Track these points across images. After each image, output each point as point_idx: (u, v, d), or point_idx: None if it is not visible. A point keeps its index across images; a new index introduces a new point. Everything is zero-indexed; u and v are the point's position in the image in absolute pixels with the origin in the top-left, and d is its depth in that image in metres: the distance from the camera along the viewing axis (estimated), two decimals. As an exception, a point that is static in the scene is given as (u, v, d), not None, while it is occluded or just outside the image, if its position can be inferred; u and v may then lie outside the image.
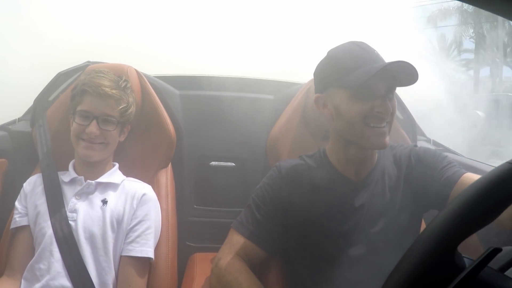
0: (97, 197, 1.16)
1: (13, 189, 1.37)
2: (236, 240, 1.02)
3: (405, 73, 0.91)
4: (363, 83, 0.88)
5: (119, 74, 1.25)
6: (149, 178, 1.32)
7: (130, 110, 1.21)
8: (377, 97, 0.91)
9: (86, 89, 1.13)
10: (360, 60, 0.92)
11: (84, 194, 1.16)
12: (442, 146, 1.64)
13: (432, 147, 1.63)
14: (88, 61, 1.47)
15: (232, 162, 1.58)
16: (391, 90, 0.94)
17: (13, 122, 1.53)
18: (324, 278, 0.97)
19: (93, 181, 1.17)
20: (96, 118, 1.13)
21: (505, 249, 0.50)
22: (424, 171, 1.01)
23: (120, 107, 1.16)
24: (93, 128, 1.12)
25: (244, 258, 1.01)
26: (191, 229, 1.56)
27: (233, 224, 1.05)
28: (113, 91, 1.15)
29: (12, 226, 1.15)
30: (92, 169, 1.19)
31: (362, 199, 0.99)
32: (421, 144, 1.63)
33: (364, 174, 1.02)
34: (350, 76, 0.91)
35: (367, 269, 0.94)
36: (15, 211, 1.16)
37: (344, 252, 0.97)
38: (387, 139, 0.94)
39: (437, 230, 0.49)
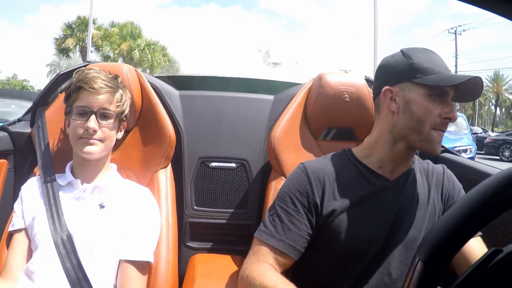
0: (94, 201, 1.14)
1: (14, 190, 1.37)
2: (265, 251, 0.97)
3: (472, 91, 0.95)
4: (452, 84, 0.92)
5: (118, 73, 1.25)
6: (149, 178, 1.31)
7: (126, 105, 1.20)
8: (448, 103, 0.96)
9: (81, 85, 1.12)
10: (438, 65, 0.96)
11: (81, 198, 1.15)
12: (443, 147, 1.63)
13: None
14: (88, 61, 1.47)
15: (233, 163, 1.58)
16: (454, 102, 0.98)
17: (13, 123, 1.54)
18: (349, 279, 0.97)
19: (89, 185, 1.15)
20: (94, 113, 1.12)
21: (506, 248, 0.49)
22: (449, 197, 1.07)
23: (116, 101, 1.16)
24: (92, 123, 1.11)
25: (274, 266, 0.96)
26: (192, 230, 1.55)
27: (259, 234, 1.00)
28: (109, 84, 1.14)
29: (10, 228, 1.14)
30: (89, 171, 1.17)
31: (396, 199, 1.00)
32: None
33: (397, 174, 1.03)
34: (434, 76, 0.94)
35: (398, 274, 0.96)
36: (14, 214, 1.16)
37: (374, 259, 0.97)
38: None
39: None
